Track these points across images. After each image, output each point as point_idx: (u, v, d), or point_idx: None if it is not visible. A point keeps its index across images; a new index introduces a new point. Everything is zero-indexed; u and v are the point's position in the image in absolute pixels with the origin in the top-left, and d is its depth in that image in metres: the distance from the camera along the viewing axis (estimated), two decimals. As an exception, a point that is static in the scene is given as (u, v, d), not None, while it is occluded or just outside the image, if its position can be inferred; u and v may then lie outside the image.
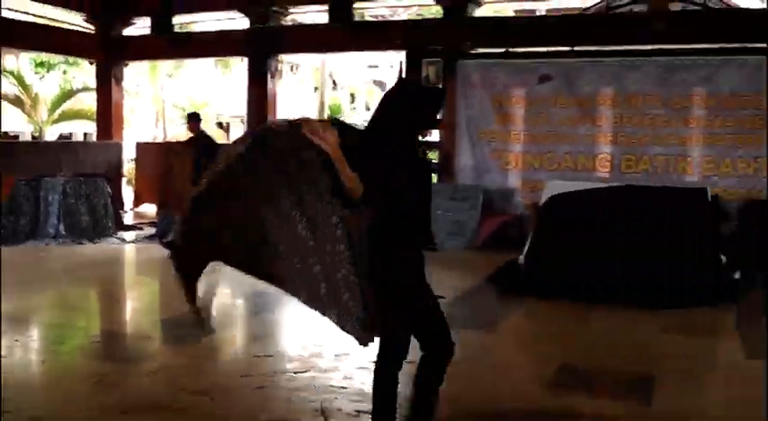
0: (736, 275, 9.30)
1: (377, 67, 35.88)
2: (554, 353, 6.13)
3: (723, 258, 9.26)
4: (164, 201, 12.94)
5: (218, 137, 29.02)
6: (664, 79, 12.18)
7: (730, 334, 7.23)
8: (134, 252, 11.72)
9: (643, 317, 7.57)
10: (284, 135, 3.70)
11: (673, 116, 12.11)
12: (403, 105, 3.74)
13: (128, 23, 16.66)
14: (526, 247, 9.40)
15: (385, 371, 3.90)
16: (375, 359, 3.87)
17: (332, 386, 5.04)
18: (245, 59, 15.92)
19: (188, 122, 11.32)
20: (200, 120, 11.43)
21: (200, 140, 11.09)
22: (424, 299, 3.93)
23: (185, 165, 10.97)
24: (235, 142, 3.90)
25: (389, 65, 32.33)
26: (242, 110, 16.70)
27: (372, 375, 3.90)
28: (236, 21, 15.83)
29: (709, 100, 12.03)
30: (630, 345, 6.56)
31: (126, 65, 17.26)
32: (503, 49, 13.31)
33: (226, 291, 8.44)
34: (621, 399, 4.96)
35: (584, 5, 13.84)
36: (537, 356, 6.14)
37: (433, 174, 3.94)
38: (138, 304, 8.49)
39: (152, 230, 12.72)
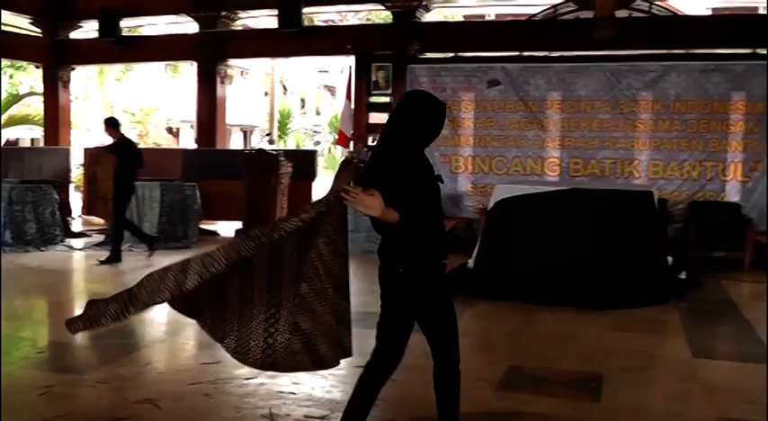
0: (682, 275, 9.52)
1: (327, 72, 35.94)
2: (503, 354, 6.21)
3: (669, 259, 9.46)
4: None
5: (168, 142, 28.89)
6: (611, 84, 12.42)
7: (676, 331, 7.37)
8: (82, 260, 11.59)
9: (591, 316, 7.71)
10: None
11: (620, 120, 12.34)
12: (407, 119, 3.80)
13: (75, 27, 16.49)
14: (475, 251, 9.51)
15: (377, 377, 4.07)
16: (366, 365, 4.03)
17: (281, 392, 5.04)
18: (195, 64, 15.85)
19: (106, 128, 11.16)
20: (119, 125, 11.24)
21: (120, 147, 10.99)
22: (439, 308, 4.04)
23: (107, 172, 10.91)
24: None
25: (339, 70, 32.40)
26: (192, 115, 16.62)
27: (357, 380, 4.08)
28: (186, 25, 15.72)
29: (655, 104, 12.31)
30: (579, 345, 6.66)
31: (73, 69, 17.08)
32: (452, 54, 13.44)
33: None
34: (570, 398, 5.04)
35: (532, 11, 13.97)
36: (486, 358, 6.20)
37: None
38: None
39: (101, 237, 12.60)
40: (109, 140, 11.19)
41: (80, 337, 7.07)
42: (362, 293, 9.05)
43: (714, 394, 5.34)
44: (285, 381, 5.24)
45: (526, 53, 13.12)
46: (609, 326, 7.36)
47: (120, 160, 10.75)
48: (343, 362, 5.76)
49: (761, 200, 11.89)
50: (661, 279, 8.84)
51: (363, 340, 6.86)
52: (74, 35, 16.64)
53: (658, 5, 12.97)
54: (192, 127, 23.73)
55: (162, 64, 26.64)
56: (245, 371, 5.42)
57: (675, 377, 5.78)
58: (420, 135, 3.83)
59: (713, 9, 21.04)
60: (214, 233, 13.93)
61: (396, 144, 3.81)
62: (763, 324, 7.64)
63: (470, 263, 9.45)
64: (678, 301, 8.71)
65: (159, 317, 7.24)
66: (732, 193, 12.06)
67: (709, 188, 12.14)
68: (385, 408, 4.77)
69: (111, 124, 11.13)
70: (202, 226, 13.36)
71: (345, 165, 3.80)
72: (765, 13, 15.76)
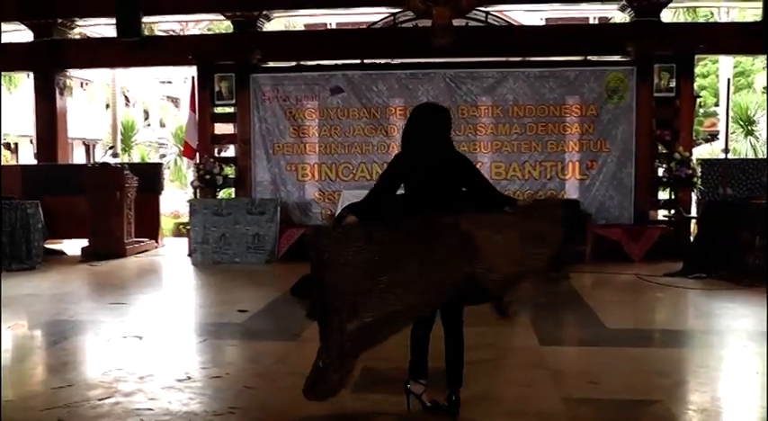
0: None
1: (170, 82, 35.30)
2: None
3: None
4: None
5: (6, 158, 27.68)
6: (451, 90, 12.79)
7: (524, 322, 7.61)
8: None
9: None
10: None
11: (462, 124, 12.69)
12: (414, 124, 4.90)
13: None
14: (326, 257, 9.56)
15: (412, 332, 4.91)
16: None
17: (137, 409, 4.96)
18: (31, 75, 15.23)
19: None
20: None
21: None
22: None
23: None
24: None
25: (183, 80, 31.88)
26: (31, 129, 15.98)
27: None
28: (20, 33, 15.07)
29: (494, 109, 12.77)
30: (432, 342, 6.80)
31: None
32: (294, 63, 13.49)
33: (20, 321, 8.08)
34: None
35: (372, 20, 14.19)
36: (341, 362, 6.28)
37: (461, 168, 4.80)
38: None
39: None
40: None
41: None
42: (215, 304, 9.03)
43: (560, 378, 5.61)
44: (141, 398, 5.16)
45: (368, 61, 13.33)
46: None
47: None
48: (201, 374, 5.76)
49: (598, 195, 12.55)
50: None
51: (220, 350, 6.86)
52: None
53: (495, 16, 13.43)
54: (31, 142, 22.83)
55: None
56: (99, 391, 5.32)
57: (524, 365, 6.03)
58: (411, 138, 4.87)
59: (547, 19, 21.93)
60: (60, 252, 13.46)
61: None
62: (604, 310, 8.07)
63: (322, 269, 9.52)
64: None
65: (3, 343, 6.98)
66: (571, 191, 12.67)
67: (550, 187, 12.69)
68: (242, 416, 4.79)
69: None
70: (47, 245, 12.86)
71: None
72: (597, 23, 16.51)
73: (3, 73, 23.55)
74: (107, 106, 30.61)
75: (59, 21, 14.36)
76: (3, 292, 9.20)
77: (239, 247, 12.16)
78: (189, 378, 5.64)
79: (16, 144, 30.13)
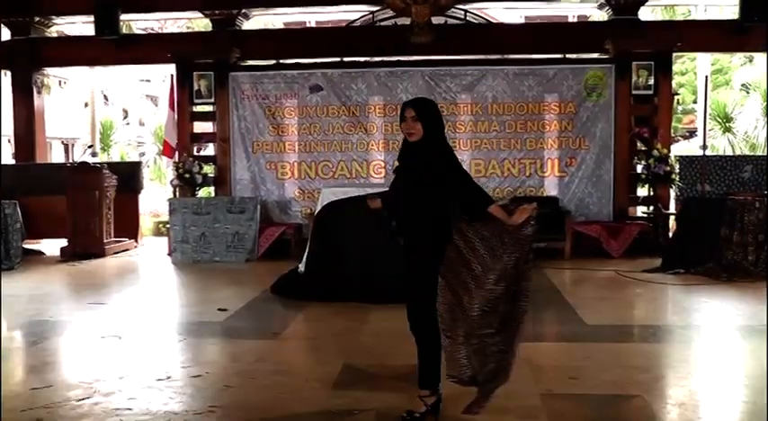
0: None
1: (149, 81, 35.11)
2: (337, 353, 6.29)
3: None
4: None
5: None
6: (430, 88, 12.82)
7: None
8: None
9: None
10: None
11: (441, 122, 12.67)
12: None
13: None
14: (305, 255, 9.58)
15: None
16: None
17: (117, 409, 4.94)
18: (8, 73, 15.11)
19: None
20: None
21: None
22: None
23: None
24: None
25: (162, 79, 31.72)
26: (8, 128, 15.84)
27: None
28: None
29: (473, 107, 12.82)
30: (410, 340, 6.79)
31: None
32: (273, 61, 13.47)
33: (-2, 321, 8.04)
34: (403, 391, 5.15)
35: (351, 18, 14.19)
36: (320, 359, 6.27)
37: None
38: None
39: None
40: None
41: None
42: (195, 303, 9.01)
43: (540, 373, 5.62)
44: (121, 398, 5.14)
45: (347, 59, 13.33)
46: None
47: None
48: (181, 373, 5.75)
49: (577, 192, 12.62)
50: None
51: (200, 349, 6.85)
52: None
53: (474, 14, 13.46)
54: (9, 141, 22.65)
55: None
56: (78, 392, 5.29)
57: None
58: None
59: (526, 17, 21.98)
60: (39, 252, 13.37)
61: None
62: (583, 306, 8.11)
63: (301, 267, 9.53)
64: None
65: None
66: (550, 188, 12.74)
67: (529, 184, 12.76)
68: (223, 415, 4.78)
69: None
70: (26, 245, 12.77)
71: None
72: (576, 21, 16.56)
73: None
74: (85, 105, 30.40)
75: (37, 19, 14.29)
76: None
77: (219, 246, 12.13)
78: (169, 377, 5.62)
79: (-5, 144, 29.89)
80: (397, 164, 4.89)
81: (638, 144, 12.80)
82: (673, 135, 14.88)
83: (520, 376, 5.53)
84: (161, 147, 15.58)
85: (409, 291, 4.67)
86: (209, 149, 14.06)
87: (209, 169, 13.33)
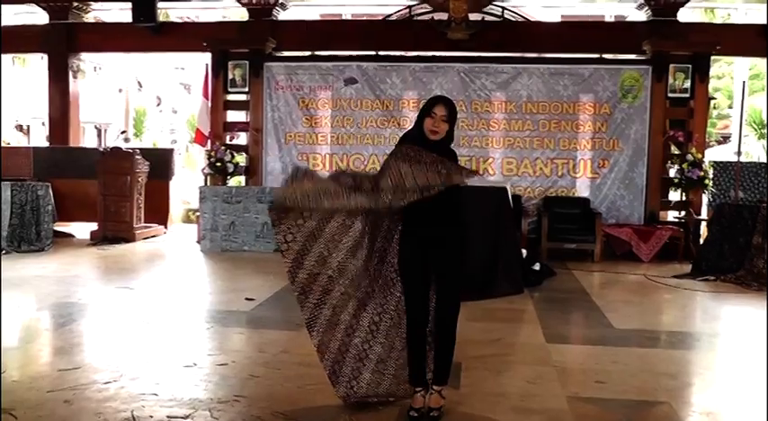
0: (536, 267, 9.90)
1: (184, 69, 35.16)
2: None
3: (524, 252, 9.85)
4: None
5: (18, 140, 27.70)
6: (465, 84, 12.77)
7: (531, 319, 7.66)
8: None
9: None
10: None
11: (475, 119, 12.70)
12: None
13: None
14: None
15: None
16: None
17: (142, 394, 4.97)
18: (45, 57, 15.24)
19: None
20: None
21: None
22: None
23: None
24: None
25: (196, 67, 31.77)
26: (43, 111, 15.97)
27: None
28: (35, 15, 15.05)
29: (508, 105, 12.76)
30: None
31: None
32: (309, 53, 13.48)
33: (29, 303, 8.10)
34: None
35: (387, 11, 14.15)
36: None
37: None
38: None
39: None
40: None
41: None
42: (223, 292, 9.04)
43: (566, 376, 5.59)
44: (147, 383, 5.17)
45: (382, 52, 13.32)
46: (467, 317, 7.47)
47: None
48: (207, 361, 5.78)
49: (609, 194, 12.53)
50: (516, 271, 9.14)
51: (226, 337, 6.88)
52: None
53: (511, 11, 13.38)
54: (43, 124, 22.81)
55: (8, 57, 25.43)
56: (105, 375, 5.33)
57: (530, 362, 6.01)
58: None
59: (563, 16, 21.83)
60: (69, 235, 13.49)
61: None
62: (612, 309, 8.06)
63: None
64: (533, 291, 9.09)
65: (11, 323, 7.01)
66: (582, 189, 12.66)
67: (561, 184, 12.68)
68: (248, 405, 4.78)
69: None
70: (57, 228, 12.89)
71: None
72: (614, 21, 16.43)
73: (17, 54, 23.58)
74: (120, 91, 30.59)
75: (75, 4, 14.37)
76: (12, 273, 9.26)
77: (248, 236, 12.16)
78: (195, 364, 5.65)
79: (28, 126, 30.11)
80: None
81: (672, 147, 12.70)
82: (707, 140, 14.73)
83: (545, 377, 5.53)
84: (193, 135, 15.64)
85: (441, 283, 4.62)
86: (242, 139, 14.07)
87: (240, 158, 13.36)
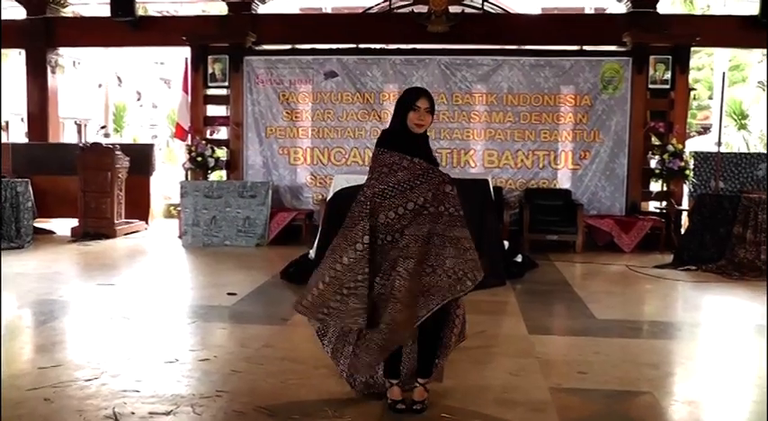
0: (518, 258, 9.92)
1: (163, 63, 35.02)
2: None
3: (506, 243, 9.86)
4: None
5: (-5, 138, 27.48)
6: (446, 77, 12.76)
7: (513, 311, 7.67)
8: None
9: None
10: None
11: (456, 111, 12.70)
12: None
13: None
14: (316, 241, 9.55)
15: None
16: None
17: (124, 390, 4.93)
18: (23, 52, 15.12)
19: None
20: None
21: None
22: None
23: None
24: None
25: (176, 62, 31.63)
26: (21, 107, 15.84)
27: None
28: (11, 10, 14.93)
29: (489, 97, 12.76)
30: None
31: None
32: (289, 46, 13.44)
33: (9, 300, 8.04)
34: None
35: (367, 5, 14.13)
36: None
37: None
38: None
39: None
40: None
41: None
42: (205, 286, 9.01)
43: (549, 367, 5.59)
44: (128, 379, 5.13)
45: (362, 46, 13.31)
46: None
47: None
48: (189, 357, 5.75)
49: (590, 186, 12.56)
50: (498, 263, 9.13)
51: (208, 332, 6.84)
52: None
53: (491, 3, 13.38)
54: (22, 120, 22.66)
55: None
56: (86, 372, 5.29)
57: (513, 353, 6.01)
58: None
59: (543, 8, 21.90)
60: (50, 231, 13.38)
61: None
62: (594, 300, 8.08)
63: (312, 253, 9.51)
64: (515, 283, 9.10)
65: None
66: (563, 180, 12.69)
67: (542, 176, 12.71)
68: (230, 400, 4.76)
69: None
70: (37, 224, 12.78)
71: None
72: (594, 13, 16.45)
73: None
74: (99, 86, 30.42)
75: (52, -1, 14.27)
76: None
77: (230, 230, 12.13)
78: (177, 360, 5.62)
79: (7, 122, 29.91)
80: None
81: (653, 138, 12.75)
82: (688, 131, 14.78)
83: (528, 368, 5.54)
84: (174, 130, 15.58)
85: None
86: (223, 133, 14.03)
87: (221, 153, 13.31)
